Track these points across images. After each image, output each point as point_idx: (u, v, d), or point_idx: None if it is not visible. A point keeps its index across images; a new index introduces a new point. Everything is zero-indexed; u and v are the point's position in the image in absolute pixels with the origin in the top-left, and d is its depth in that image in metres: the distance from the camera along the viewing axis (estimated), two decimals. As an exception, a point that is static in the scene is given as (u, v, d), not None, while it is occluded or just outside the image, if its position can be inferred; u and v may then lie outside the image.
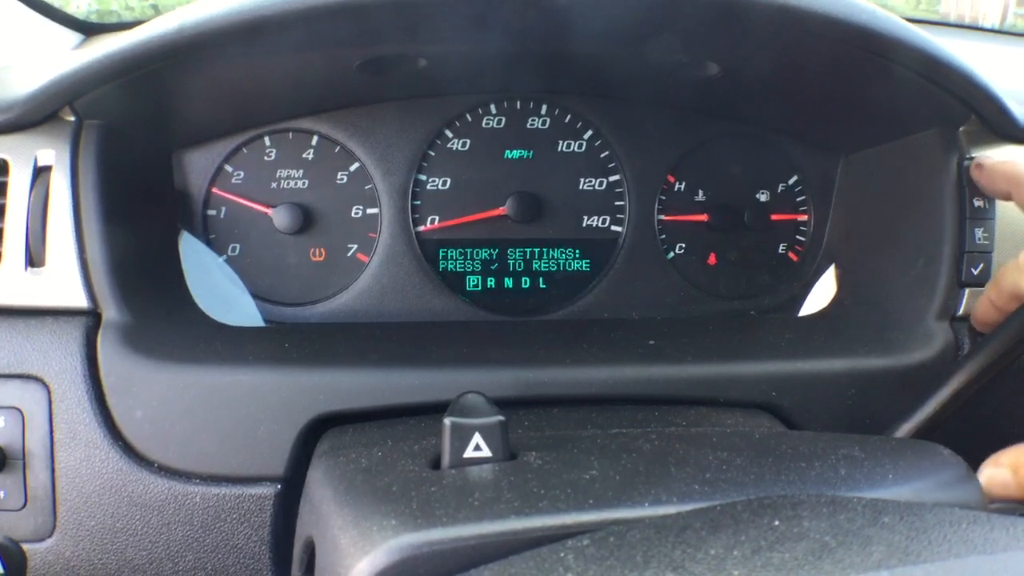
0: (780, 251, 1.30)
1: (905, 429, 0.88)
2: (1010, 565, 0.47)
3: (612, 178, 1.26)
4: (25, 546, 0.86)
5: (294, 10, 0.83)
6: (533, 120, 1.25)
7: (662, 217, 1.27)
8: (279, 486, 0.86)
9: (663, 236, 1.27)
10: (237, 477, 0.86)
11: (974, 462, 0.70)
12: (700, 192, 1.27)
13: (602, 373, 0.91)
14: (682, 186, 1.27)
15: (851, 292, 1.19)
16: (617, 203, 1.26)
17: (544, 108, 1.25)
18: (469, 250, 1.25)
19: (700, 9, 0.88)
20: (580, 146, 1.26)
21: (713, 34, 0.97)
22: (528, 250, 1.26)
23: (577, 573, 0.49)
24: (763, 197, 1.28)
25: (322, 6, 0.83)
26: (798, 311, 1.26)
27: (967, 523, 0.52)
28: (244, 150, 1.21)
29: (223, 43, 0.87)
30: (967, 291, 1.01)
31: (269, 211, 1.20)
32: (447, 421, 0.67)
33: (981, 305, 0.97)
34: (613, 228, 1.27)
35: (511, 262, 1.25)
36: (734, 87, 1.15)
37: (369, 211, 1.22)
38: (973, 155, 1.02)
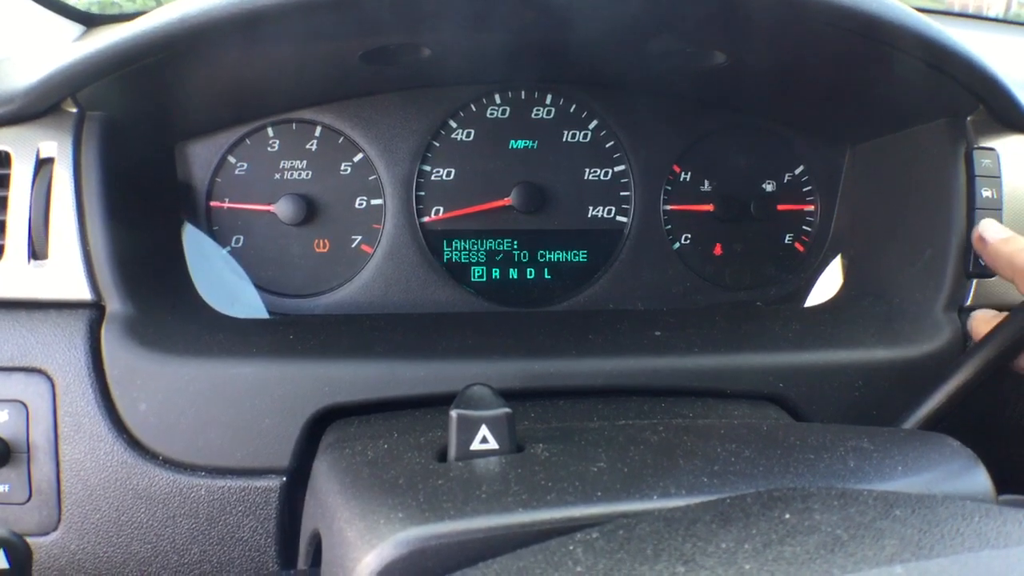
0: (786, 242, 1.29)
1: (912, 420, 0.87)
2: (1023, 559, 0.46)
3: (617, 168, 1.26)
4: (30, 540, 0.86)
5: (294, 1, 0.82)
6: (538, 110, 1.24)
7: (668, 207, 1.26)
8: (284, 479, 0.86)
9: (668, 226, 1.26)
10: (242, 470, 0.86)
11: (982, 453, 0.70)
12: (706, 182, 1.27)
13: (608, 364, 0.91)
14: (688, 176, 1.27)
15: (858, 283, 1.18)
16: (622, 193, 1.26)
17: (549, 98, 1.24)
18: (474, 241, 1.24)
19: (704, 3, 0.88)
20: (585, 136, 1.25)
21: (719, 26, 0.96)
22: (533, 241, 1.25)
23: (586, 566, 0.49)
24: (769, 187, 1.28)
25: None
26: (804, 302, 1.26)
27: (979, 517, 0.51)
28: (247, 141, 1.20)
29: (225, 33, 0.87)
30: (975, 282, 1.00)
31: (271, 207, 1.19)
32: (453, 413, 0.66)
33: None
34: (618, 218, 1.26)
35: (516, 253, 1.25)
36: (740, 77, 1.14)
37: (373, 202, 1.22)
38: (981, 145, 1.01)
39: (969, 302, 1.00)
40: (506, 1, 0.88)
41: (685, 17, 0.92)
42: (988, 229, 0.97)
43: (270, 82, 1.12)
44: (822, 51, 0.99)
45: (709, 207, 1.27)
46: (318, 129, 1.21)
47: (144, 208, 1.03)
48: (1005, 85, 0.98)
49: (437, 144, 1.23)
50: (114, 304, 0.91)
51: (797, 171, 1.28)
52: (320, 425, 0.85)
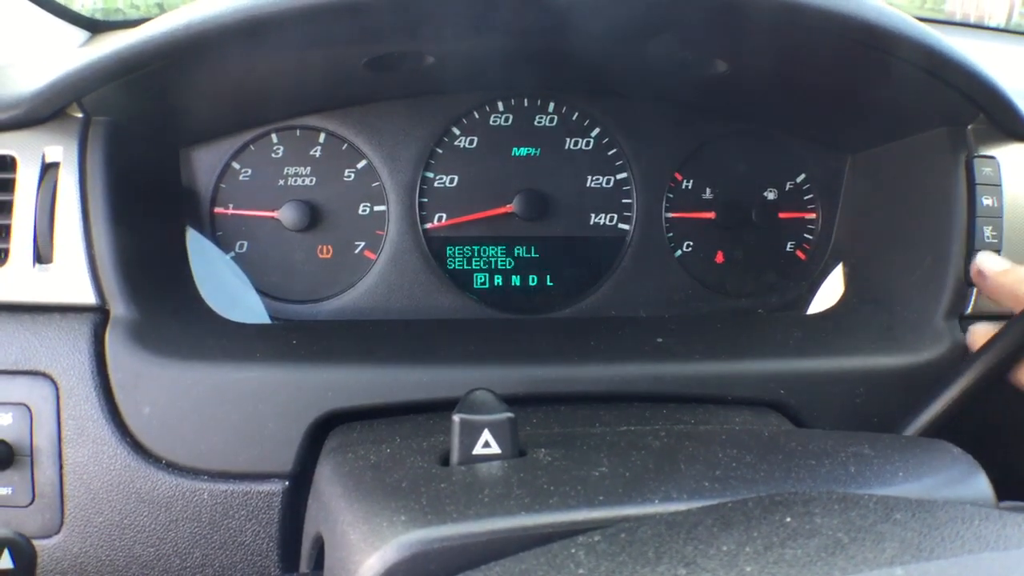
0: (788, 249, 1.29)
1: (913, 427, 0.88)
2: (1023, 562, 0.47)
3: (619, 176, 1.26)
4: (34, 542, 0.86)
5: (297, 8, 0.82)
6: (540, 118, 1.25)
7: (669, 215, 1.26)
8: (287, 483, 0.86)
9: (670, 234, 1.27)
10: (245, 474, 0.86)
11: (982, 460, 0.70)
12: (708, 190, 1.27)
13: (610, 371, 0.91)
14: (689, 184, 1.27)
15: (859, 291, 1.19)
16: (624, 201, 1.26)
17: (551, 106, 1.25)
18: (476, 248, 1.25)
19: (703, 9, 0.88)
20: (587, 144, 1.26)
21: (719, 33, 0.97)
22: (535, 248, 1.26)
23: (588, 569, 0.49)
24: (771, 195, 1.28)
25: (323, 5, 0.82)
26: (806, 309, 1.26)
27: (980, 520, 0.52)
28: (251, 147, 1.21)
29: (229, 40, 0.87)
30: (975, 290, 1.00)
31: (275, 214, 1.20)
32: (456, 418, 0.67)
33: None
34: (620, 226, 1.26)
35: (518, 260, 1.25)
36: (742, 85, 1.15)
37: (376, 208, 1.22)
38: (982, 153, 1.02)
39: (970, 310, 1.00)
40: (508, 3, 0.88)
41: (685, 21, 0.92)
42: (986, 262, 0.97)
43: (274, 88, 1.12)
44: (823, 59, 1.00)
45: (711, 215, 1.27)
46: (322, 135, 1.21)
47: (148, 213, 1.03)
48: (1006, 94, 0.98)
49: (440, 151, 1.23)
50: (118, 308, 0.91)
51: (798, 179, 1.28)
52: (323, 430, 0.86)
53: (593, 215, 1.26)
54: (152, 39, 0.86)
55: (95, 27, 1.46)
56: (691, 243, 1.28)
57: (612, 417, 0.83)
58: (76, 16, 1.44)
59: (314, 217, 1.21)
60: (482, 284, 1.25)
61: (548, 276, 1.26)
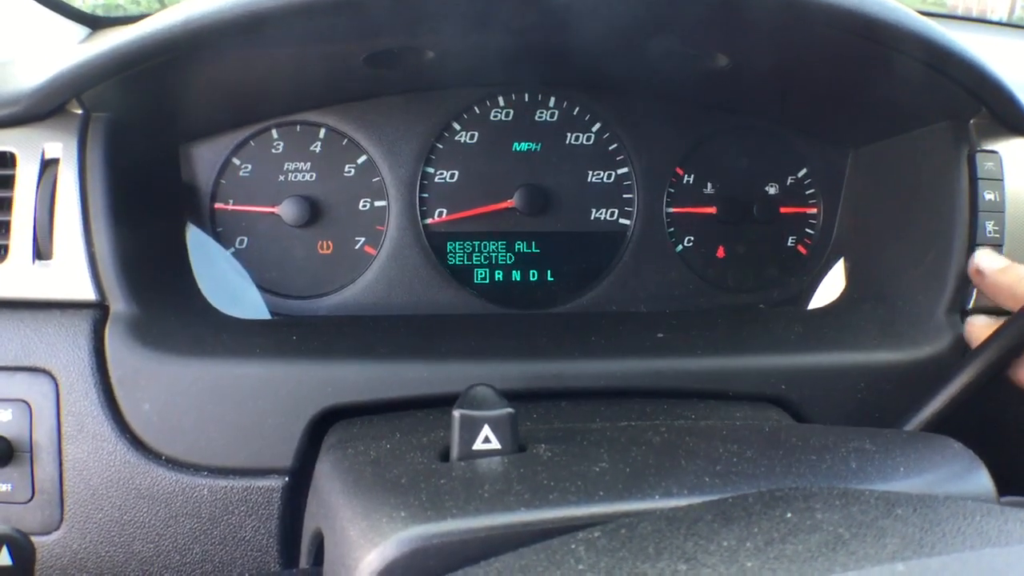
0: (789, 244, 1.29)
1: (915, 422, 0.87)
2: (1024, 558, 0.47)
3: (620, 171, 1.26)
4: (33, 538, 0.86)
5: (296, 4, 0.82)
6: (541, 112, 1.24)
7: (670, 210, 1.26)
8: (287, 478, 0.86)
9: (671, 229, 1.27)
10: (244, 469, 0.86)
11: (983, 455, 0.70)
12: (709, 185, 1.27)
13: (610, 366, 0.91)
14: (691, 179, 1.27)
15: (860, 285, 1.18)
16: (625, 196, 1.26)
17: (552, 100, 1.25)
18: (477, 243, 1.24)
19: (705, 6, 0.88)
20: (588, 139, 1.25)
21: (720, 29, 0.97)
22: (536, 243, 1.25)
23: (588, 565, 0.49)
24: (772, 190, 1.28)
25: (322, 1, 0.82)
26: (807, 304, 1.26)
27: (981, 515, 0.51)
28: (251, 143, 1.20)
29: (228, 36, 0.87)
30: (976, 285, 1.00)
31: (275, 209, 1.20)
32: (456, 413, 0.66)
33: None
34: (621, 221, 1.26)
35: (519, 255, 1.25)
36: (743, 80, 1.15)
37: (377, 204, 1.22)
38: (984, 147, 1.01)
39: (971, 305, 1.00)
40: (508, 2, 0.88)
41: (685, 18, 0.92)
42: (984, 260, 0.96)
43: (274, 84, 1.12)
44: (824, 54, 0.99)
45: (712, 210, 1.27)
46: (322, 131, 1.21)
47: (148, 209, 1.03)
48: (1008, 88, 0.98)
49: (441, 146, 1.23)
50: (118, 304, 0.91)
51: (800, 174, 1.28)
52: (323, 426, 0.86)
53: (594, 210, 1.26)
54: (151, 35, 0.86)
55: (95, 23, 1.46)
56: (692, 238, 1.27)
57: (612, 412, 0.83)
58: (76, 12, 1.43)
59: (314, 213, 1.20)
60: (482, 279, 1.25)
61: (549, 271, 1.26)
